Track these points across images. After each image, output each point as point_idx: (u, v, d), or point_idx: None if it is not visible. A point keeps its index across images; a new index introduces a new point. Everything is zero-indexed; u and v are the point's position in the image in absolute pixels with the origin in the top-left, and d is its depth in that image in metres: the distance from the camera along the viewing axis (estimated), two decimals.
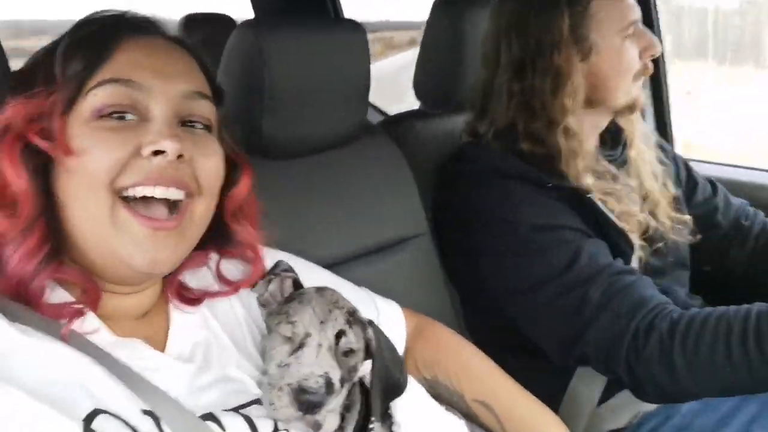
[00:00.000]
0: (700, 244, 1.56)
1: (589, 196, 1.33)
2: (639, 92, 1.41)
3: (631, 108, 1.41)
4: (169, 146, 0.79)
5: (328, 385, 0.83)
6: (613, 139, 1.51)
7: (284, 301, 0.92)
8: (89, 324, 0.79)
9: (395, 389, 0.96)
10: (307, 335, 0.86)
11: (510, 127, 1.39)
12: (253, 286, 0.96)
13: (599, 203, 1.34)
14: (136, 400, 0.75)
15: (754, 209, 1.68)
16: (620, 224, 1.35)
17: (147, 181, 0.79)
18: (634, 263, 1.41)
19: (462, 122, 1.51)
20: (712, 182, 1.69)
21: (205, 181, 0.85)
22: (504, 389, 1.13)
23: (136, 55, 0.83)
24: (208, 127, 0.88)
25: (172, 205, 0.82)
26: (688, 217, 1.53)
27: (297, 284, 0.96)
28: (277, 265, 0.97)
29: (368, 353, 0.91)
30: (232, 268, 0.99)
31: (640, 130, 1.53)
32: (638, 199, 1.48)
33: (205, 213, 0.87)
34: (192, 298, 0.93)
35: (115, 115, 0.80)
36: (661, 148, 1.61)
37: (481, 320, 1.42)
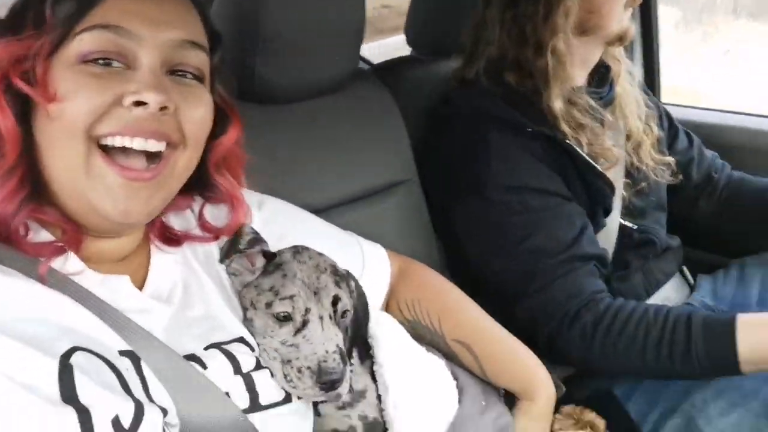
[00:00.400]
0: (673, 190, 1.62)
1: (567, 142, 1.37)
2: (629, 23, 1.44)
3: (622, 38, 1.43)
4: (152, 98, 0.77)
5: (343, 357, 0.87)
6: (600, 79, 1.53)
7: (261, 272, 0.93)
8: (72, 265, 0.80)
9: (361, 334, 1.01)
10: (308, 310, 0.88)
11: (499, 60, 1.41)
12: (232, 235, 0.97)
13: (573, 143, 1.37)
14: (117, 339, 0.76)
15: (723, 162, 1.75)
16: (599, 167, 1.40)
17: (125, 131, 0.78)
18: (617, 202, 1.47)
19: (453, 67, 1.53)
20: (688, 133, 1.73)
21: (191, 132, 0.84)
22: (483, 330, 1.17)
23: (127, 2, 0.81)
24: (199, 78, 0.87)
25: (153, 156, 0.81)
26: (670, 159, 1.59)
27: (266, 253, 0.96)
28: (239, 236, 0.96)
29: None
30: (218, 213, 1.00)
31: (626, 70, 1.56)
32: (622, 138, 1.52)
33: (188, 164, 0.87)
34: (173, 239, 0.94)
35: (101, 62, 0.79)
36: (645, 93, 1.64)
37: (462, 265, 1.47)
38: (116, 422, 0.70)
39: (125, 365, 0.76)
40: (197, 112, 0.85)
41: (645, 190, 1.52)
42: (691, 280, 1.64)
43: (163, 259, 0.92)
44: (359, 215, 1.40)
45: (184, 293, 0.89)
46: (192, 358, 0.82)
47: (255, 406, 0.84)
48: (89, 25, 0.79)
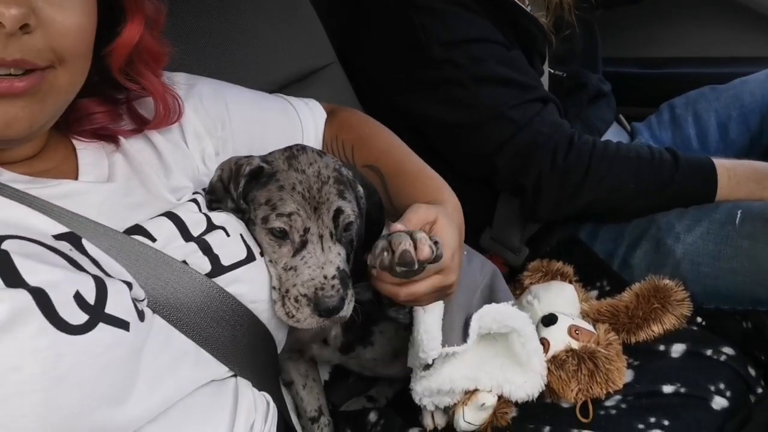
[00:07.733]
0: None
1: None
2: None
3: None
4: (6, 15, 0.63)
5: (343, 280, 0.82)
6: None
7: (246, 183, 0.85)
8: None
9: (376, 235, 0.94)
10: (306, 230, 0.82)
11: None
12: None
13: None
14: (50, 223, 0.70)
15: None
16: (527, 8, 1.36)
17: None
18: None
19: None
20: None
21: (65, 48, 0.71)
22: (391, 152, 1.11)
23: None
24: None
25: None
26: None
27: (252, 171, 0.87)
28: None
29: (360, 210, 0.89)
30: (145, 103, 0.90)
31: None
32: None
33: (74, 79, 0.75)
34: (104, 134, 0.86)
35: None
36: None
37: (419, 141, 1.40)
38: (79, 297, 0.63)
39: (66, 248, 0.69)
40: (69, 20, 0.70)
41: (570, 35, 1.48)
42: (628, 127, 1.63)
43: (91, 148, 0.84)
44: None
45: (126, 177, 0.83)
46: (136, 229, 0.77)
47: (218, 268, 0.80)
48: None
